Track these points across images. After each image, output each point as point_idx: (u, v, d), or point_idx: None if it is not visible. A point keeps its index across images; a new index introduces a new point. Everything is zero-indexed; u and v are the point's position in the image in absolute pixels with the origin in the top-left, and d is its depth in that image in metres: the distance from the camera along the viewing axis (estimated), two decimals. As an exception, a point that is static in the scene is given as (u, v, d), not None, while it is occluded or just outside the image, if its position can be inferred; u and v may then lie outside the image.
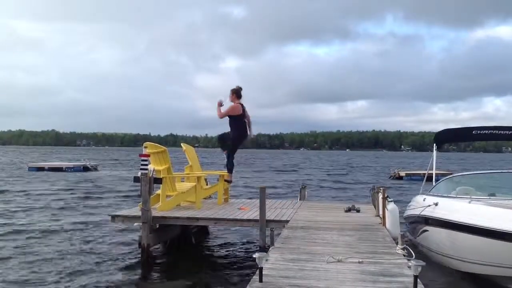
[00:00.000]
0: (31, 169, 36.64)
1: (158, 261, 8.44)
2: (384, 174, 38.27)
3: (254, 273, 4.73)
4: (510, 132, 9.13)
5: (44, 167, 37.21)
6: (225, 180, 10.08)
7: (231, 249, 9.55)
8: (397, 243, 6.04)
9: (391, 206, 7.63)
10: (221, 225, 8.86)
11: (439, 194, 8.12)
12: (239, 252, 9.33)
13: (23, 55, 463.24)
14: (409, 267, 4.29)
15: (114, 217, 8.43)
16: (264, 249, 7.27)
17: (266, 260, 4.64)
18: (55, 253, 8.80)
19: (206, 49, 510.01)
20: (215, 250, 9.53)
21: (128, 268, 7.93)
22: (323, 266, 5.13)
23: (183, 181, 10.04)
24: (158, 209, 8.50)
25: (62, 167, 36.80)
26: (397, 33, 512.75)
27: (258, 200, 8.22)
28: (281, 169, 46.42)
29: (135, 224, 8.37)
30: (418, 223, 8.28)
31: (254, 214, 8.41)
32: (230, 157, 9.97)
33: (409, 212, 9.18)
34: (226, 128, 9.94)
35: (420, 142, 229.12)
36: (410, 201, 9.84)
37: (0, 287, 6.82)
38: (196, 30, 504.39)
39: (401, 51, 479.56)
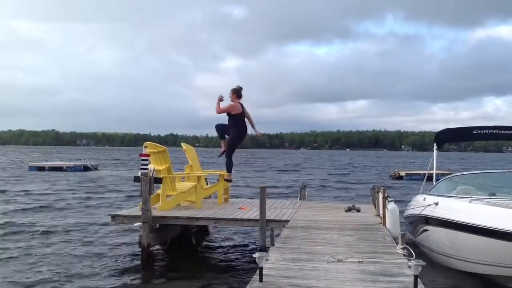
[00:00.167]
0: (31, 168, 36.69)
1: (158, 260, 8.45)
2: (385, 174, 38.27)
3: (254, 272, 4.73)
4: (510, 132, 9.14)
5: (45, 166, 37.29)
6: (225, 180, 10.08)
7: (231, 249, 9.55)
8: (397, 243, 6.03)
9: (391, 205, 7.63)
10: (221, 225, 8.87)
11: (439, 194, 8.12)
12: (239, 251, 9.32)
13: (23, 55, 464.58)
14: (409, 266, 4.29)
15: (114, 217, 8.44)
16: (264, 248, 7.27)
17: (266, 259, 4.64)
18: (55, 253, 8.80)
19: (206, 49, 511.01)
20: (215, 250, 9.53)
21: (128, 267, 7.94)
22: (323, 265, 5.12)
23: (183, 181, 10.04)
24: (158, 209, 8.50)
25: (62, 167, 36.88)
26: (397, 33, 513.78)
27: (258, 200, 8.23)
28: (283, 169, 46.39)
29: (135, 224, 8.37)
30: (418, 223, 8.28)
31: (254, 214, 8.41)
32: (228, 157, 9.96)
33: (410, 211, 9.18)
34: None
35: (420, 142, 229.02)
36: (410, 201, 9.84)
37: (0, 287, 6.82)
38: (196, 30, 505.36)
39: (401, 51, 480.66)
